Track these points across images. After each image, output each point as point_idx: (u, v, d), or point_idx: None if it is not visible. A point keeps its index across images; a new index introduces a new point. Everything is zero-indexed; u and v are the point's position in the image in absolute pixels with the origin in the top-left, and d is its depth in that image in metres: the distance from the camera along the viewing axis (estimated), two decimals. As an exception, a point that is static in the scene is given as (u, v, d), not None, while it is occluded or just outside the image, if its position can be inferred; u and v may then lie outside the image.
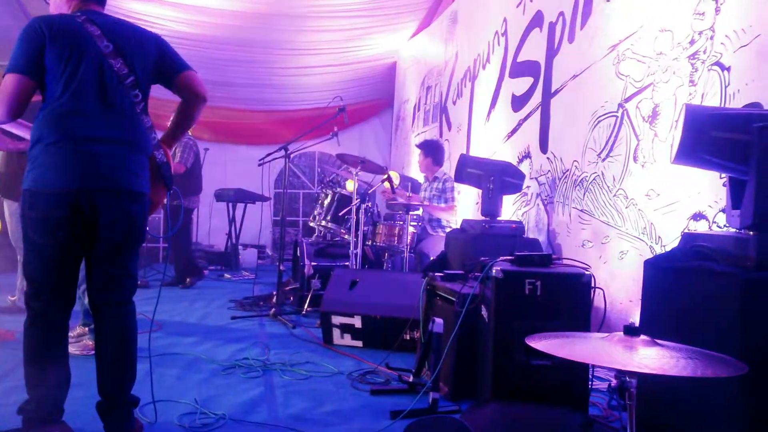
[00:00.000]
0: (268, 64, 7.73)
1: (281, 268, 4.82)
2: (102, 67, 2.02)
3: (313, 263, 4.80)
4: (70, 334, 2.70)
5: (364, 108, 8.96)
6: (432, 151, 5.19)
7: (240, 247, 7.64)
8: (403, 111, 8.48)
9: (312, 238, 5.27)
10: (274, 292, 4.76)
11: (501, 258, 2.40)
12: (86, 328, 3.35)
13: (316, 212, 5.10)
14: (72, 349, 2.19)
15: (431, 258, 4.53)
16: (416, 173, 6.69)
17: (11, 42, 2.02)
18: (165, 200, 2.29)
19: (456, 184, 4.97)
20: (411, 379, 2.89)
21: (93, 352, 2.28)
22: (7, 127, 2.23)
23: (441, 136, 6.50)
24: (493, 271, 2.27)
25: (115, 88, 2.04)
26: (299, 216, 9.50)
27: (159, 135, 2.23)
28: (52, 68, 1.98)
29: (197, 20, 6.60)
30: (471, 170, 4.09)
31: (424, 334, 3.07)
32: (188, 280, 5.89)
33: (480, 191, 4.20)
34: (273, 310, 4.46)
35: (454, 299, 2.74)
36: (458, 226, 4.42)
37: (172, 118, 2.31)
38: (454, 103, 6.23)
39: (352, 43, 7.61)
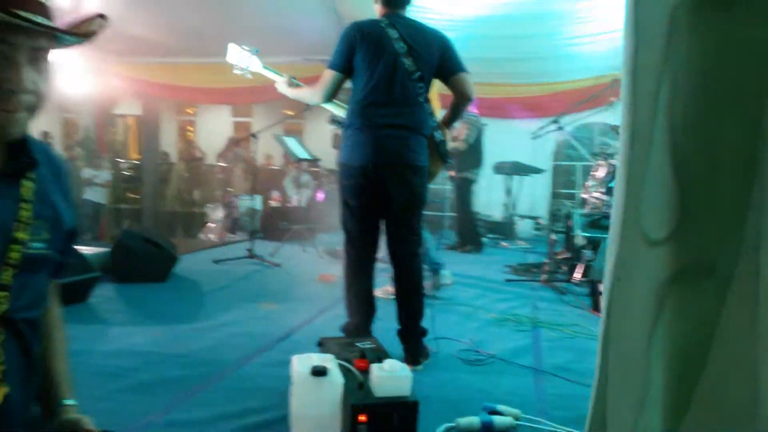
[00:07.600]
0: (539, 36, 7.76)
1: (553, 237, 5.04)
2: (395, 65, 2.54)
3: (585, 234, 4.89)
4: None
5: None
6: None
7: (516, 217, 7.99)
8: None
9: (586, 210, 5.33)
10: (546, 260, 4.99)
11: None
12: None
13: (588, 184, 5.14)
14: (376, 292, 2.84)
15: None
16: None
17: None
18: (440, 171, 2.81)
19: None
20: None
21: (392, 296, 2.89)
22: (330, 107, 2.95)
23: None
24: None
25: (404, 82, 2.56)
26: (575, 188, 9.43)
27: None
28: (358, 67, 2.58)
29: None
30: None
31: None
32: (467, 247, 6.49)
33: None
34: (544, 276, 4.72)
35: None
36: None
37: (446, 112, 2.83)
38: None
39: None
